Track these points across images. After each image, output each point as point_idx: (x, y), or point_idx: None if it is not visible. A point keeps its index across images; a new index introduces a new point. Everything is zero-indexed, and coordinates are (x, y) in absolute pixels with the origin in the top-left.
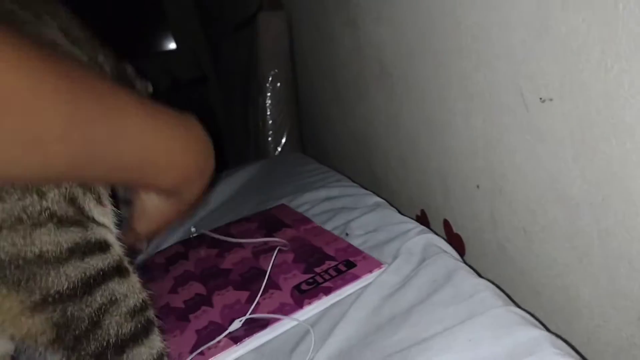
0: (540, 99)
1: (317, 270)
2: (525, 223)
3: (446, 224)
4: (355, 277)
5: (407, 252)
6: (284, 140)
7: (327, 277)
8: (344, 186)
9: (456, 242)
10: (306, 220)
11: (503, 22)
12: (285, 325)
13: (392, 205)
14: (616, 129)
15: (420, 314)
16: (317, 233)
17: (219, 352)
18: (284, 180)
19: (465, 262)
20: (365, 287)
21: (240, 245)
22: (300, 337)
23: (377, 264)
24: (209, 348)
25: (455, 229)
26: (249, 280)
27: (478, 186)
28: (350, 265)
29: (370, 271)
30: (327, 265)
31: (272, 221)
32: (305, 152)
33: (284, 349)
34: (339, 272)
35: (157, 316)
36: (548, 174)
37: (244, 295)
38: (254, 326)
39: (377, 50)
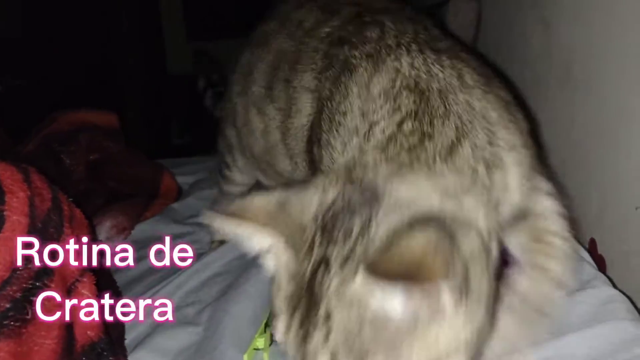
0: None
1: None
2: None
3: (592, 243)
4: None
5: None
6: None
7: None
8: None
9: (598, 264)
10: None
11: None
12: None
13: None
14: None
15: None
16: None
17: None
18: None
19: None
20: None
21: None
22: None
23: None
24: None
25: (599, 250)
26: None
27: (637, 208)
28: None
29: None
30: None
31: None
32: None
33: None
34: None
35: None
36: None
37: None
38: None
39: (567, 52)
